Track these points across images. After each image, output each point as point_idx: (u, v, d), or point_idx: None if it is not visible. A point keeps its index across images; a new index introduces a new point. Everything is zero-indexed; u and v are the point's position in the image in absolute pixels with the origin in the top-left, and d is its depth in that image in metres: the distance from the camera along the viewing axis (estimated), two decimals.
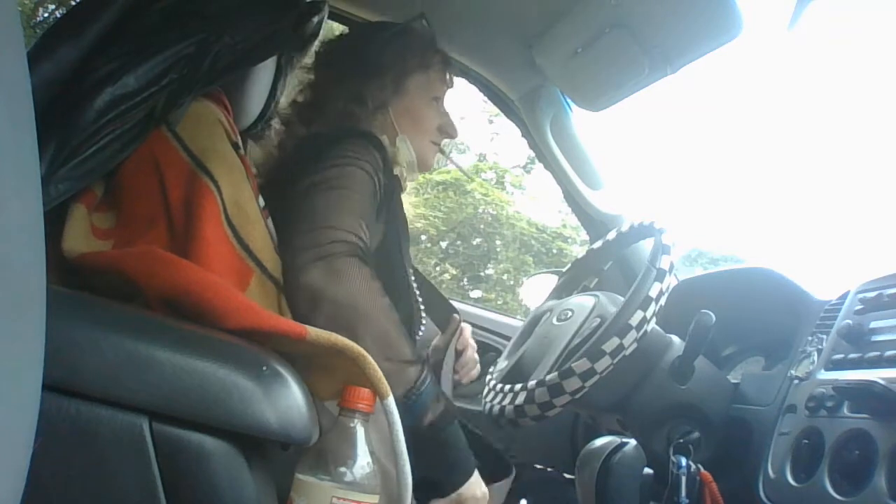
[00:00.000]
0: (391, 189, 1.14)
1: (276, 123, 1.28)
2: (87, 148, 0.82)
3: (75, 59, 0.83)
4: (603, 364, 1.08)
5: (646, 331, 1.11)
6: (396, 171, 1.22)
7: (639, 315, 1.09)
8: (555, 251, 9.36)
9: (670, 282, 1.14)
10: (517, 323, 1.71)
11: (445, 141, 1.35)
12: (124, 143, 0.86)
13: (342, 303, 0.91)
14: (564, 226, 9.35)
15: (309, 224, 0.96)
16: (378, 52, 1.27)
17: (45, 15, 6.92)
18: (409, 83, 1.27)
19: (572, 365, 1.11)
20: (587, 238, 1.87)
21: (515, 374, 1.34)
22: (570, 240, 9.43)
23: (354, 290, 0.92)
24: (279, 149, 1.24)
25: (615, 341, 1.08)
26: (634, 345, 1.10)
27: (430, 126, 1.29)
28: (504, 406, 1.20)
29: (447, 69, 1.32)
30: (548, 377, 1.13)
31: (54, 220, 0.83)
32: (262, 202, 0.98)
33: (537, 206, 9.51)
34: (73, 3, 0.94)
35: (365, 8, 1.62)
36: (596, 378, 1.09)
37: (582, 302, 1.34)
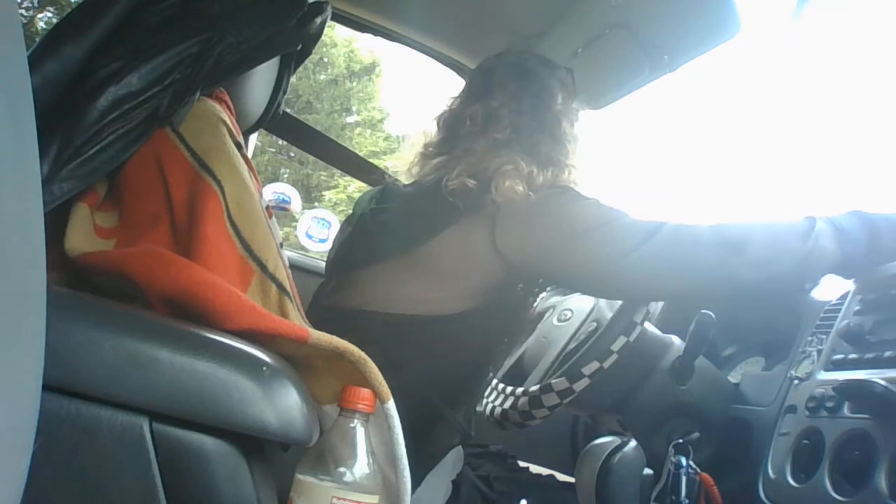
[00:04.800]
0: None
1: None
2: (90, 147, 0.82)
3: (79, 59, 0.84)
4: (581, 384, 1.11)
5: (629, 342, 1.11)
6: None
7: (621, 340, 1.09)
8: None
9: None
10: None
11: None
12: (127, 142, 0.86)
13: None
14: None
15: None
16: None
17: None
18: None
19: (552, 381, 1.14)
20: None
21: (515, 373, 1.35)
22: None
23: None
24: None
25: (595, 365, 1.10)
26: (616, 359, 1.10)
27: None
28: (495, 407, 1.23)
29: None
30: (531, 389, 1.16)
31: (57, 220, 0.83)
32: (264, 202, 0.99)
33: None
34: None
35: (366, 9, 1.62)
36: (573, 396, 1.12)
37: (581, 304, 1.35)
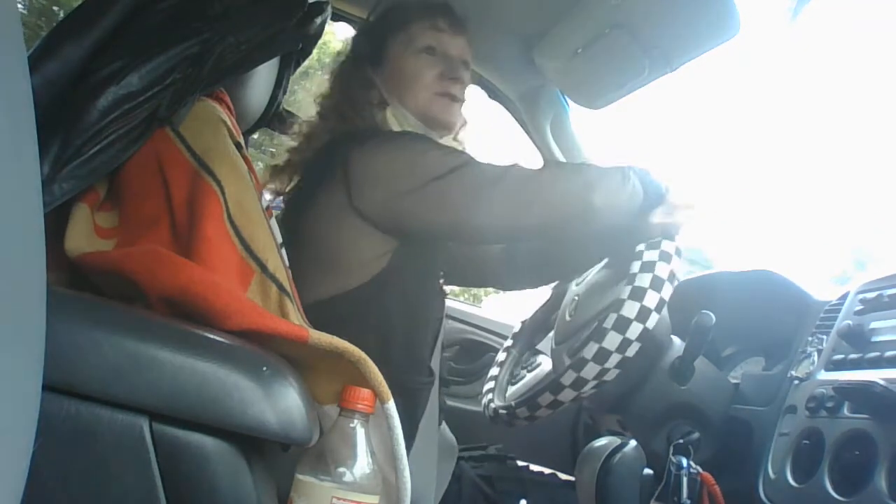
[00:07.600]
0: None
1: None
2: (90, 147, 0.82)
3: (79, 59, 0.84)
4: (544, 413, 1.13)
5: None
6: None
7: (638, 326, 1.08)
8: None
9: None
10: (513, 322, 1.70)
11: None
12: (127, 142, 0.86)
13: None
14: None
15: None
16: (358, 38, 1.33)
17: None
18: (387, 49, 1.27)
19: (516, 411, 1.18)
20: None
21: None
22: None
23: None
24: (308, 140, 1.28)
25: (548, 397, 1.11)
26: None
27: (425, 78, 1.23)
28: (492, 403, 1.24)
29: (434, 17, 1.27)
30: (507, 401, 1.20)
31: (57, 220, 0.83)
32: (264, 202, 0.99)
33: None
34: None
35: (366, 9, 1.62)
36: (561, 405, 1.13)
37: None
